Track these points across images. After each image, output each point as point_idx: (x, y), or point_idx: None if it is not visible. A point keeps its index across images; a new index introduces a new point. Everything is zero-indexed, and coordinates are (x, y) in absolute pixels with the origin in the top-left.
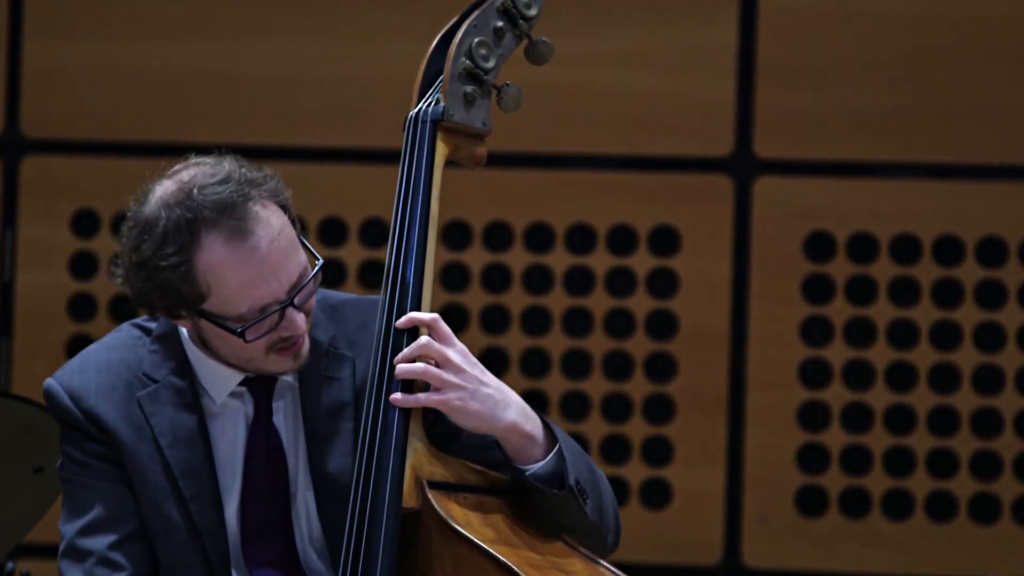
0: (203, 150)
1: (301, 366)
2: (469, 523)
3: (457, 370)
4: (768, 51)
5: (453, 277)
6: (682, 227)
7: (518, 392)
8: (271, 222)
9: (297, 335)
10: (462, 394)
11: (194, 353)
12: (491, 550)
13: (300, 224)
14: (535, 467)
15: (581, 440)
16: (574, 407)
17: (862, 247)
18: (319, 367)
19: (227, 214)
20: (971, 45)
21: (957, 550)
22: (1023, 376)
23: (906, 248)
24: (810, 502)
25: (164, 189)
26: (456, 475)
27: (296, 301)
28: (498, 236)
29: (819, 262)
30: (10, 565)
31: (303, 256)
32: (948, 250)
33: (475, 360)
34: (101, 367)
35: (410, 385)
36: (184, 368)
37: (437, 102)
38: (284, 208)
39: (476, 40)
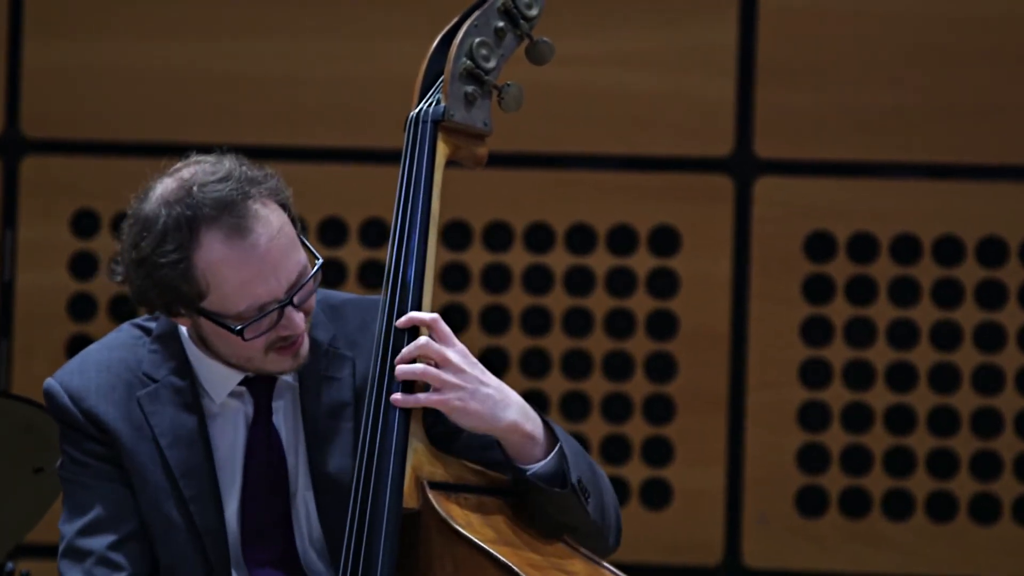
0: (203, 150)
1: (301, 366)
2: (470, 523)
3: (457, 370)
4: (768, 51)
5: (453, 277)
6: (682, 227)
7: (518, 392)
8: (271, 220)
9: (296, 334)
10: (462, 394)
11: (194, 353)
12: (491, 550)
13: (300, 224)
14: (536, 467)
15: (581, 440)
16: (574, 407)
17: (862, 247)
18: (319, 367)
19: (227, 212)
20: (971, 45)
21: (957, 550)
22: (1023, 376)
23: (906, 248)
24: (810, 502)
25: (164, 187)
26: (456, 475)
27: (295, 300)
28: (498, 236)
29: (819, 262)
30: (10, 565)
31: (303, 255)
32: (948, 250)
33: (475, 360)
34: (101, 367)
35: (410, 385)
36: (184, 368)
37: (438, 102)
38: (284, 207)
39: (477, 40)
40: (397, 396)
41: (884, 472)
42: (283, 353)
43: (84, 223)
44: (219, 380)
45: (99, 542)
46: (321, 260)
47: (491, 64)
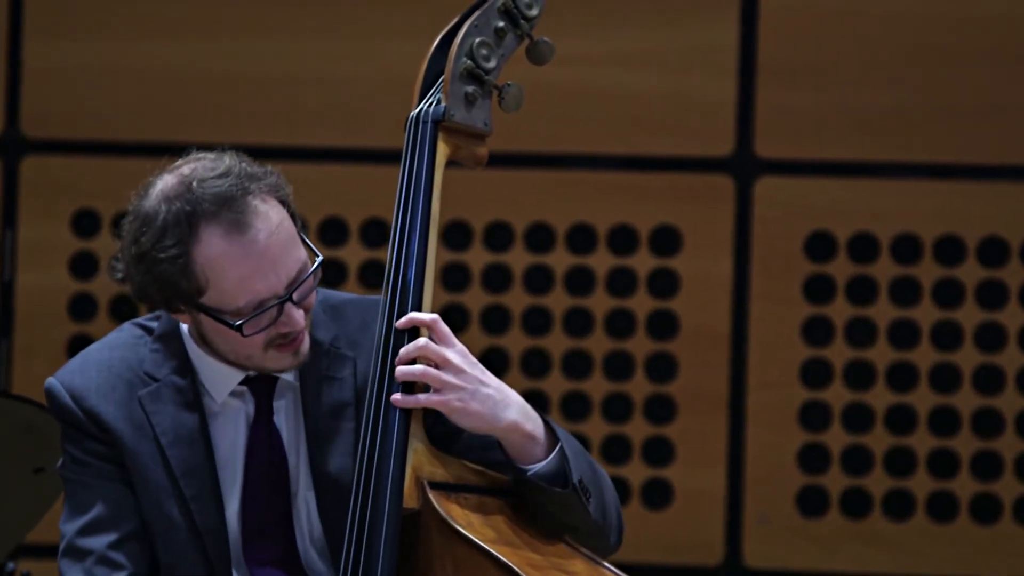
0: (203, 150)
1: (301, 364)
2: (470, 523)
3: (457, 371)
4: (769, 51)
5: (454, 277)
6: (683, 227)
7: (519, 392)
8: (270, 216)
9: (296, 331)
10: (462, 395)
11: (195, 352)
12: (492, 550)
13: (301, 222)
14: (537, 467)
15: (582, 440)
16: (575, 407)
17: (863, 247)
18: (320, 367)
19: (226, 207)
20: (971, 45)
21: (958, 550)
22: None
23: (907, 248)
24: (811, 502)
25: (165, 183)
26: (457, 475)
27: (295, 297)
28: (499, 236)
29: (820, 262)
30: (11, 565)
31: (302, 252)
32: (949, 250)
33: (475, 360)
34: (102, 366)
35: (410, 386)
36: (185, 367)
37: (438, 102)
38: (284, 203)
39: (477, 40)
40: (397, 397)
41: (885, 472)
42: (283, 350)
43: (84, 223)
44: (220, 379)
45: (99, 541)
46: (321, 257)
47: (491, 64)
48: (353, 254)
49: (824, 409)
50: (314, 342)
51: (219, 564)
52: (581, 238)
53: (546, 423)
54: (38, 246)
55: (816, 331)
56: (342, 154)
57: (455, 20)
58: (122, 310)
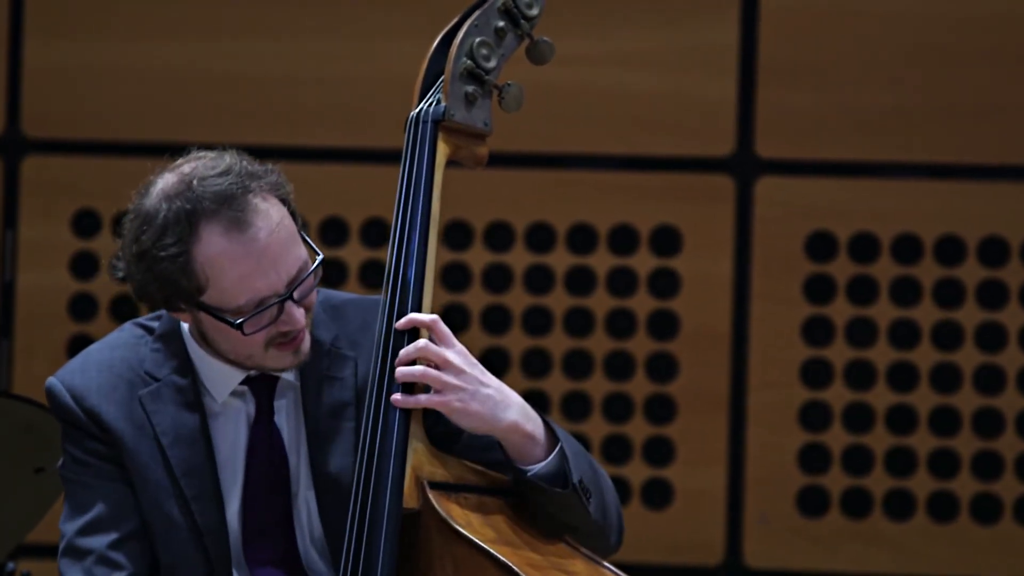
0: (204, 149)
1: (302, 363)
2: (469, 523)
3: (457, 371)
4: (769, 51)
5: (454, 277)
6: (683, 227)
7: (519, 392)
8: (270, 214)
9: (296, 330)
10: (462, 395)
11: (196, 352)
12: (492, 550)
13: (301, 222)
14: (537, 467)
15: (582, 440)
16: (575, 407)
17: (863, 247)
18: (321, 367)
19: (226, 205)
20: (971, 45)
21: (958, 550)
22: None
23: (907, 248)
24: (811, 502)
25: (165, 181)
26: (457, 475)
27: (295, 295)
28: (499, 236)
29: (820, 262)
30: (11, 565)
31: (303, 250)
32: (949, 250)
33: (475, 361)
34: (103, 366)
35: (410, 386)
36: (186, 367)
37: (438, 102)
38: (285, 202)
39: (477, 40)
40: (397, 397)
41: (885, 472)
42: (283, 349)
43: (85, 223)
44: (221, 379)
45: (99, 541)
46: (321, 256)
47: (491, 64)
48: (353, 254)
49: (824, 409)
50: (315, 342)
51: (219, 564)
52: (581, 238)
53: (546, 423)
54: (38, 246)
55: (816, 331)
56: (342, 154)
57: (455, 20)
58: (122, 310)
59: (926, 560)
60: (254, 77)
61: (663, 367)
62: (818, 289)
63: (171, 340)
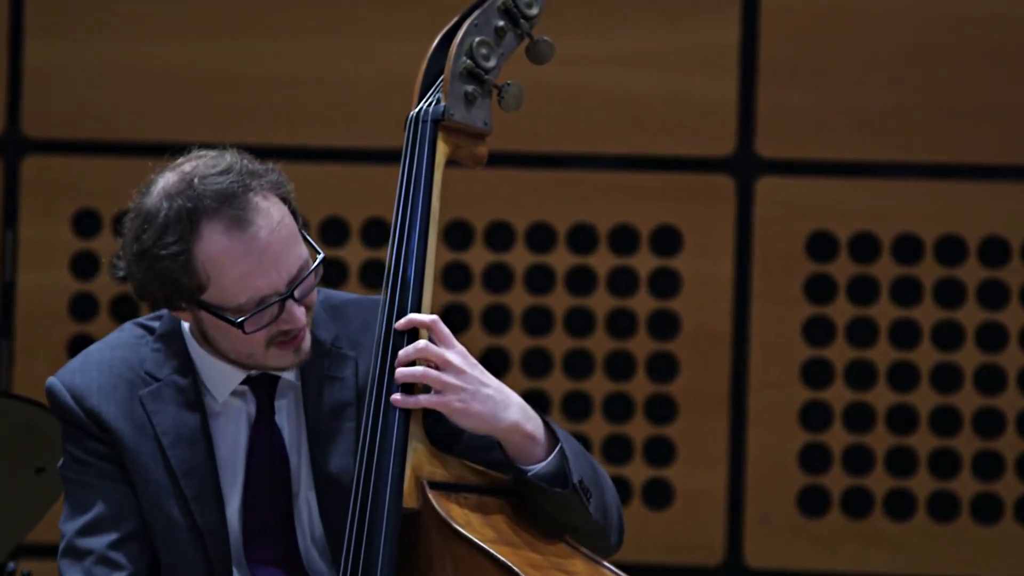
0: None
1: (302, 362)
2: (469, 523)
3: (457, 371)
4: (770, 51)
5: (454, 277)
6: (684, 227)
7: (519, 392)
8: (271, 213)
9: (297, 328)
10: (463, 395)
11: (197, 352)
12: (491, 550)
13: (302, 221)
14: (537, 467)
15: (583, 440)
16: (576, 407)
17: (864, 247)
18: (321, 367)
19: (227, 204)
20: (971, 45)
21: (959, 550)
22: None
23: (908, 248)
24: (812, 502)
25: (166, 180)
26: (456, 475)
27: (296, 294)
28: (499, 236)
29: (821, 262)
30: (11, 565)
31: (304, 249)
32: (950, 250)
33: (474, 361)
34: (103, 366)
35: (411, 386)
36: (186, 367)
37: (438, 102)
38: (285, 200)
39: (477, 39)
40: (397, 397)
41: (886, 472)
42: (284, 348)
43: (85, 223)
44: (221, 379)
45: (99, 541)
46: (322, 254)
47: (491, 63)
48: (354, 254)
49: (825, 409)
50: (315, 342)
51: (220, 564)
52: (582, 238)
53: (546, 424)
54: (39, 246)
55: (817, 331)
56: (342, 154)
57: (455, 19)
58: (123, 310)
59: (926, 560)
60: (254, 77)
61: (664, 367)
62: (818, 289)
63: (172, 340)
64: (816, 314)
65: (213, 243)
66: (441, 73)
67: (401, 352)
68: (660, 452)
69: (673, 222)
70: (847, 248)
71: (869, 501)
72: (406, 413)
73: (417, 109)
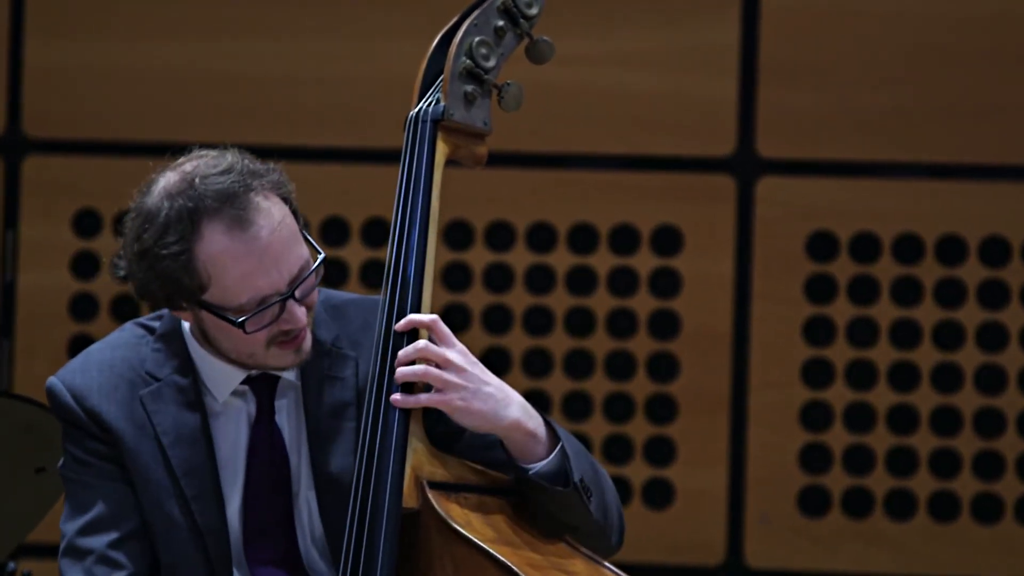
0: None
1: (303, 362)
2: (469, 523)
3: (458, 370)
4: (770, 51)
5: (455, 277)
6: (684, 227)
7: (520, 392)
8: (272, 213)
9: (298, 328)
10: (464, 394)
11: (197, 352)
12: (491, 550)
13: (303, 221)
14: (538, 466)
15: (583, 440)
16: (576, 407)
17: (864, 247)
18: (322, 366)
19: (228, 204)
20: (971, 45)
21: (959, 550)
22: None
23: (908, 248)
24: (812, 502)
25: (167, 180)
26: (456, 475)
27: (297, 294)
28: (500, 236)
29: (821, 262)
30: (11, 565)
31: (305, 249)
32: (950, 250)
33: (475, 359)
34: (104, 366)
35: (410, 385)
36: (187, 367)
37: (437, 101)
38: (286, 201)
39: (477, 39)
40: (397, 397)
41: (886, 472)
42: (285, 348)
43: (85, 223)
44: (222, 379)
45: (100, 541)
46: (323, 254)
47: (491, 63)
48: (354, 254)
49: (825, 409)
50: (316, 341)
51: (220, 564)
52: (582, 238)
53: (547, 422)
54: (39, 246)
55: (817, 331)
56: (342, 154)
57: (455, 19)
58: (123, 310)
59: (927, 560)
60: (254, 77)
61: (664, 367)
62: (819, 289)
63: (172, 340)
64: (816, 314)
65: (214, 243)
66: (441, 73)
67: (401, 352)
68: (660, 452)
69: (673, 222)
70: (847, 248)
71: (870, 501)
72: (406, 413)
73: (417, 109)
